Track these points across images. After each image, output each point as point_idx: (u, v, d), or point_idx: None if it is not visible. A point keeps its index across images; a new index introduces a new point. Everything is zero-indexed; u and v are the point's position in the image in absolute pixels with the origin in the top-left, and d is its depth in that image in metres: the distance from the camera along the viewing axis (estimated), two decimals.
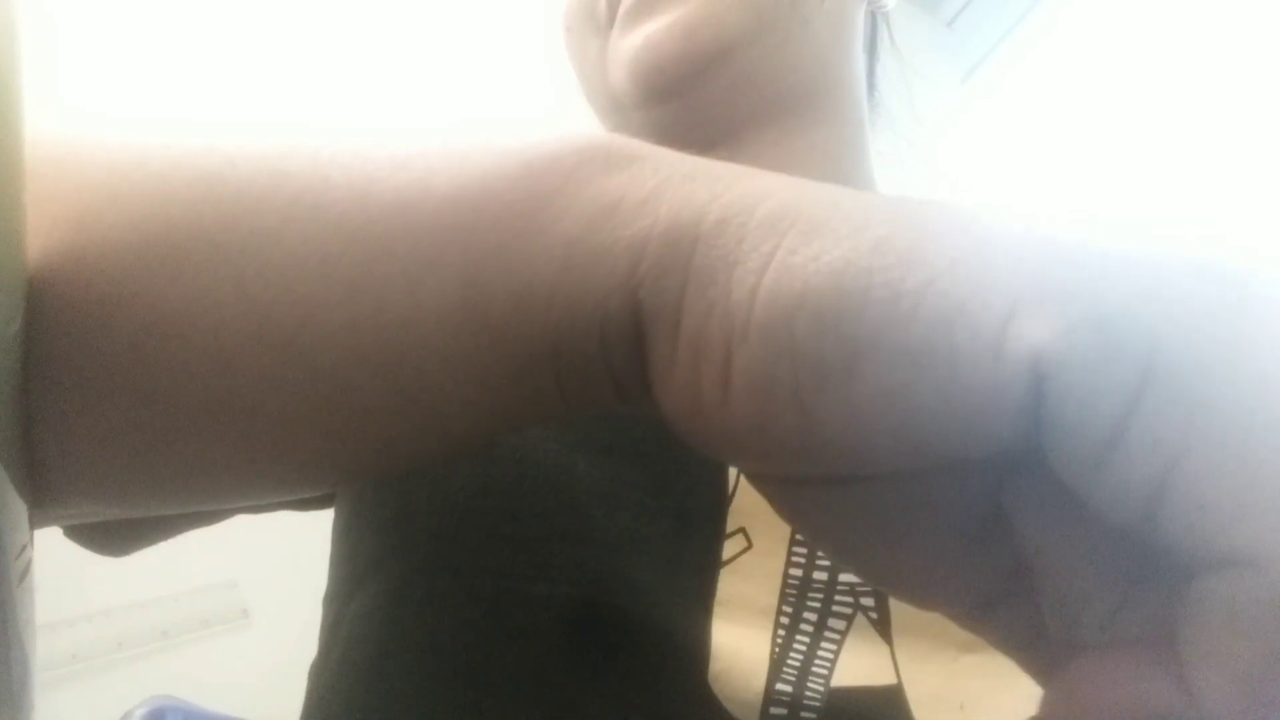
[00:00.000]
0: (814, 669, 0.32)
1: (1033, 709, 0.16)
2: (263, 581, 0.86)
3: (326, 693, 0.35)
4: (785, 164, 0.46)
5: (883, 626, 0.33)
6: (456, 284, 0.18)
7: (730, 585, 0.33)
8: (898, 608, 0.33)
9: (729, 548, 0.33)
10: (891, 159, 0.56)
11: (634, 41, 0.43)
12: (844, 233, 0.15)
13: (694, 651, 0.31)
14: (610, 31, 0.46)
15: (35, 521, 0.18)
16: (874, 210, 0.15)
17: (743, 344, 0.15)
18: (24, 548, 0.17)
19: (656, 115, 0.45)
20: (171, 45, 0.96)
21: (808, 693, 0.31)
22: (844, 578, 0.33)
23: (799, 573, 0.33)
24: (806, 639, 0.32)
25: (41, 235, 0.17)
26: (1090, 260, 0.14)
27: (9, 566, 0.16)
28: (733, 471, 0.35)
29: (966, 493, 0.16)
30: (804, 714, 0.31)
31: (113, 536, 0.34)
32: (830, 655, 0.32)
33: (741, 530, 0.34)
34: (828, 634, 0.32)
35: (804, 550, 0.34)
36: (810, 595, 0.33)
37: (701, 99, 0.44)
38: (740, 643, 0.32)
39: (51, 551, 0.25)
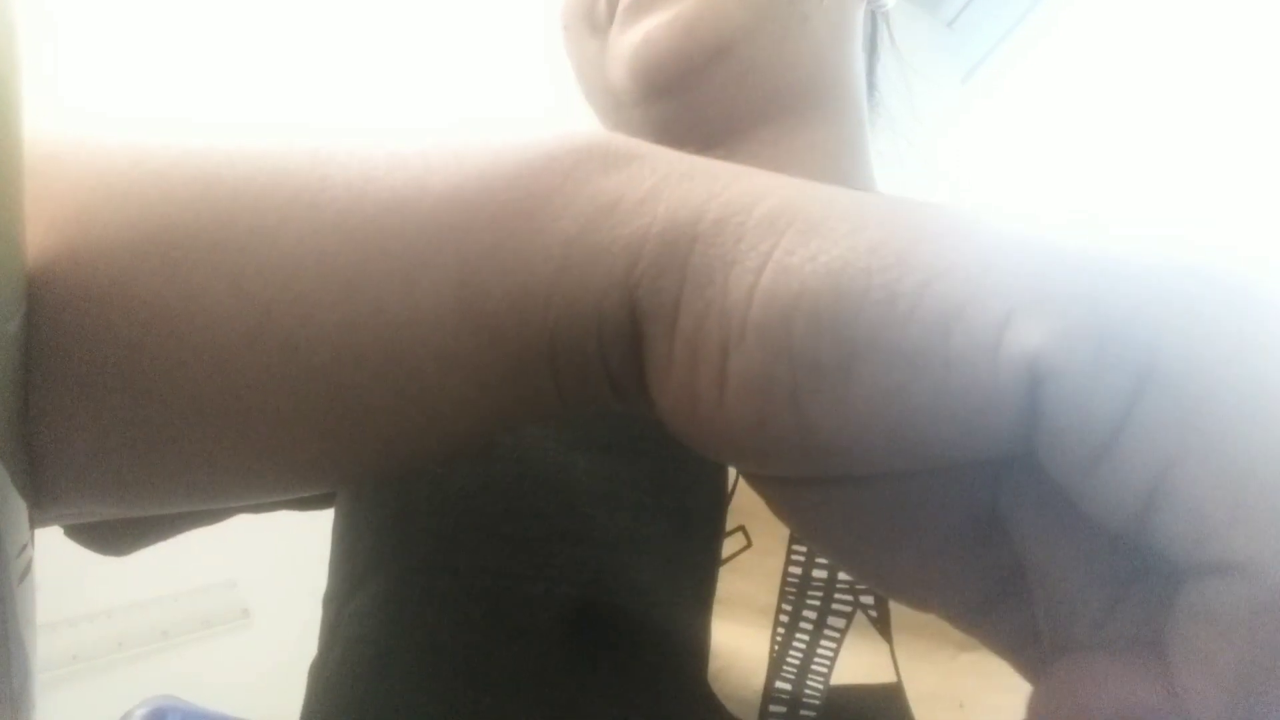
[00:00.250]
0: (813, 667, 0.32)
1: None
2: (263, 581, 0.86)
3: (327, 692, 0.35)
4: (784, 162, 0.46)
5: (882, 624, 0.33)
6: (453, 283, 0.18)
7: (730, 584, 0.33)
8: (897, 606, 0.33)
9: (728, 546, 0.33)
10: (891, 158, 0.56)
11: (633, 38, 0.43)
12: (841, 233, 0.15)
13: (693, 650, 0.31)
14: (609, 30, 0.46)
15: (35, 521, 0.18)
16: (872, 211, 0.15)
17: (739, 344, 0.15)
18: (24, 547, 0.17)
19: (655, 113, 0.45)
20: (171, 45, 0.96)
21: (807, 691, 0.31)
22: (843, 576, 0.33)
23: (798, 571, 0.33)
24: (806, 637, 0.32)
25: (40, 234, 0.17)
26: (1088, 265, 0.14)
27: (9, 566, 0.16)
28: (732, 470, 0.35)
29: (962, 494, 0.16)
30: (803, 712, 0.31)
31: (113, 536, 0.34)
32: (830, 653, 0.32)
33: (741, 528, 0.34)
34: (827, 632, 0.32)
35: (803, 549, 0.34)
36: (810, 593, 0.33)
37: (700, 96, 0.44)
38: (740, 641, 0.32)
39: (52, 551, 0.25)
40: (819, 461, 0.15)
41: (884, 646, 0.32)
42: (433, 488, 0.35)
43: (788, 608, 0.33)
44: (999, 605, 0.17)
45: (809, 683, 0.31)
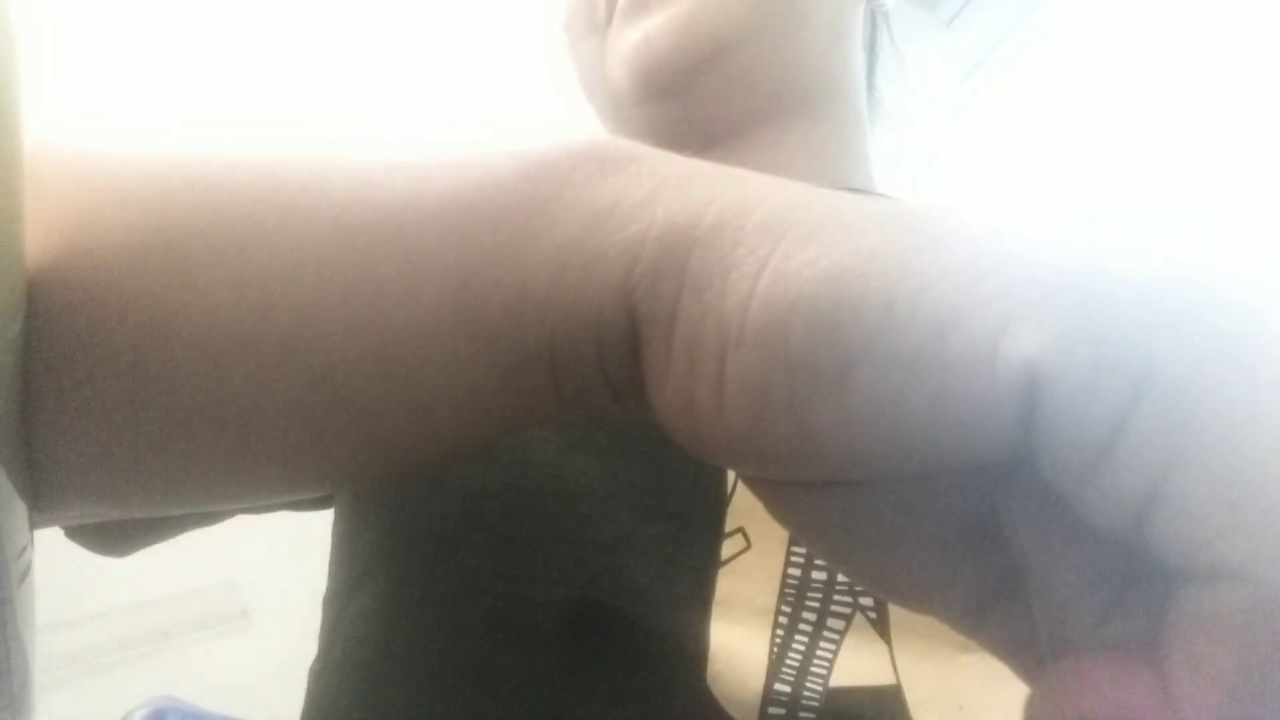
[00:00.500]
0: (812, 669, 0.32)
1: None
2: (262, 582, 0.86)
3: (327, 693, 0.35)
4: (783, 162, 0.46)
5: (881, 626, 0.33)
6: (452, 287, 0.18)
7: (729, 585, 0.33)
8: (896, 608, 0.33)
9: (728, 548, 0.33)
10: (890, 159, 0.56)
11: (632, 38, 0.43)
12: (839, 238, 0.15)
13: (692, 652, 0.31)
14: (608, 30, 0.46)
15: (35, 523, 0.18)
16: (870, 216, 0.15)
17: (737, 349, 0.15)
18: (24, 549, 0.17)
19: (655, 113, 0.45)
20: (172, 50, 0.96)
21: (806, 693, 0.31)
22: (842, 578, 0.33)
23: (798, 573, 0.33)
24: (805, 639, 0.32)
25: (40, 237, 0.17)
26: (1085, 271, 0.14)
27: (9, 568, 0.16)
28: (731, 471, 0.35)
29: (959, 497, 0.17)
30: (802, 714, 0.31)
31: (113, 537, 0.34)
32: (829, 655, 0.32)
33: (740, 530, 0.34)
34: (826, 634, 0.32)
35: (803, 550, 0.34)
36: (809, 595, 0.33)
37: (699, 96, 0.44)
38: (739, 643, 0.32)
39: (52, 552, 0.25)
40: (816, 465, 0.15)
41: (883, 648, 0.32)
42: (431, 489, 0.35)
43: (787, 609, 0.33)
44: (996, 608, 0.17)
45: (808, 684, 0.31)
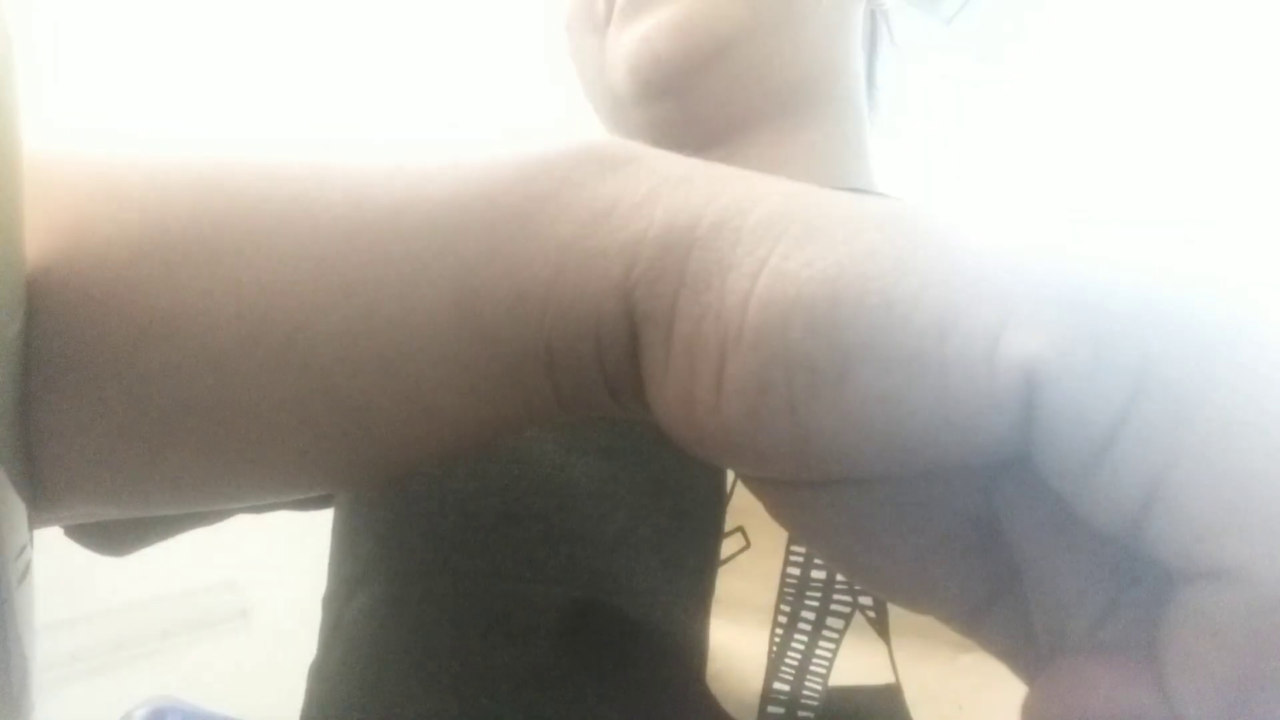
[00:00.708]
0: (812, 668, 0.32)
1: None
2: (261, 582, 0.86)
3: (327, 693, 0.35)
4: (783, 162, 0.46)
5: (881, 625, 0.33)
6: (451, 287, 0.18)
7: (728, 584, 0.33)
8: (895, 607, 0.33)
9: (727, 547, 0.33)
10: (890, 158, 0.56)
11: (632, 37, 0.43)
12: (838, 238, 0.15)
13: (692, 651, 0.31)
14: (608, 30, 0.46)
15: (35, 522, 0.18)
16: (869, 215, 0.15)
17: (736, 349, 0.15)
18: (23, 548, 0.17)
19: (654, 112, 0.45)
20: (172, 52, 0.96)
21: (805, 692, 0.31)
22: (842, 576, 0.33)
23: (797, 572, 0.33)
24: (804, 638, 0.32)
25: (39, 238, 0.17)
26: (1084, 271, 0.14)
27: (8, 567, 0.16)
28: (730, 471, 0.35)
29: (958, 497, 0.17)
30: (801, 713, 0.31)
31: (113, 536, 0.34)
32: (828, 654, 0.32)
33: (740, 529, 0.34)
34: (826, 633, 0.32)
35: (802, 549, 0.34)
36: (808, 594, 0.33)
37: (699, 95, 0.44)
38: (738, 642, 0.32)
39: (52, 552, 0.25)
40: (815, 465, 0.15)
41: (882, 647, 0.33)
42: (431, 489, 0.35)
43: (786, 608, 0.33)
44: (995, 607, 0.17)
45: (807, 683, 0.31)
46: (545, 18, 0.54)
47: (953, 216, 0.15)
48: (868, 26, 0.53)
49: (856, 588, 0.33)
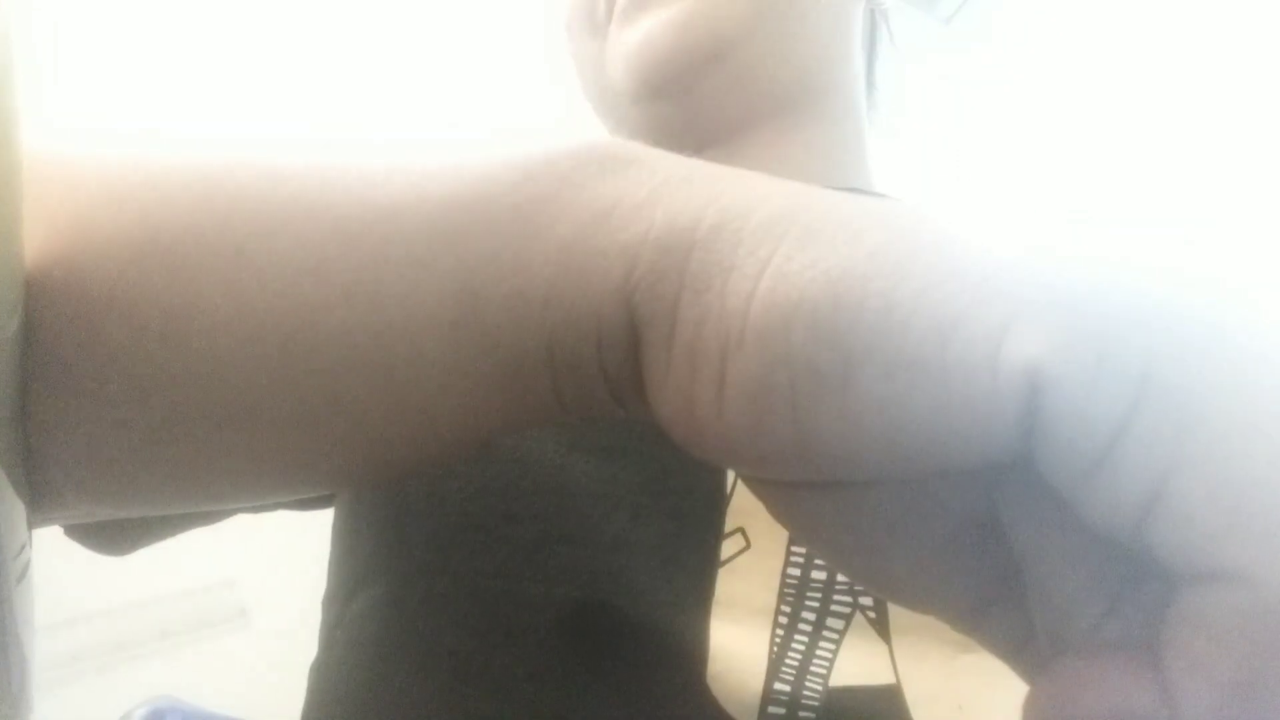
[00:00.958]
0: (812, 668, 0.32)
1: None
2: (261, 581, 0.86)
3: (327, 694, 0.35)
4: (783, 161, 0.46)
5: (881, 626, 0.33)
6: (452, 288, 0.18)
7: (728, 585, 0.33)
8: (896, 607, 0.33)
9: (727, 547, 0.33)
10: (889, 157, 0.56)
11: (632, 37, 0.43)
12: (840, 240, 0.15)
13: (692, 652, 0.31)
14: (608, 30, 0.46)
15: (34, 521, 0.18)
16: (870, 217, 0.15)
17: (738, 351, 0.15)
18: (22, 548, 0.17)
19: (654, 112, 0.45)
20: (172, 52, 0.96)
21: (806, 692, 0.31)
22: (842, 577, 0.33)
23: (797, 572, 0.33)
24: (805, 638, 0.32)
25: (39, 237, 0.17)
26: (1087, 275, 0.14)
27: (7, 567, 0.16)
28: (731, 471, 0.35)
29: (959, 498, 0.17)
30: (802, 714, 0.31)
31: (112, 536, 0.34)
32: (829, 655, 0.32)
33: (740, 530, 0.34)
34: (826, 633, 0.32)
35: (802, 550, 0.34)
36: (809, 595, 0.33)
37: (699, 95, 0.44)
38: (738, 643, 0.32)
39: (51, 552, 0.25)
40: (817, 467, 0.15)
41: (883, 648, 0.32)
42: (431, 489, 0.35)
43: (786, 609, 0.33)
44: (996, 607, 0.17)
45: (808, 684, 0.31)
46: (545, 18, 0.54)
47: (954, 219, 0.15)
48: (867, 26, 0.53)
49: (857, 588, 0.33)
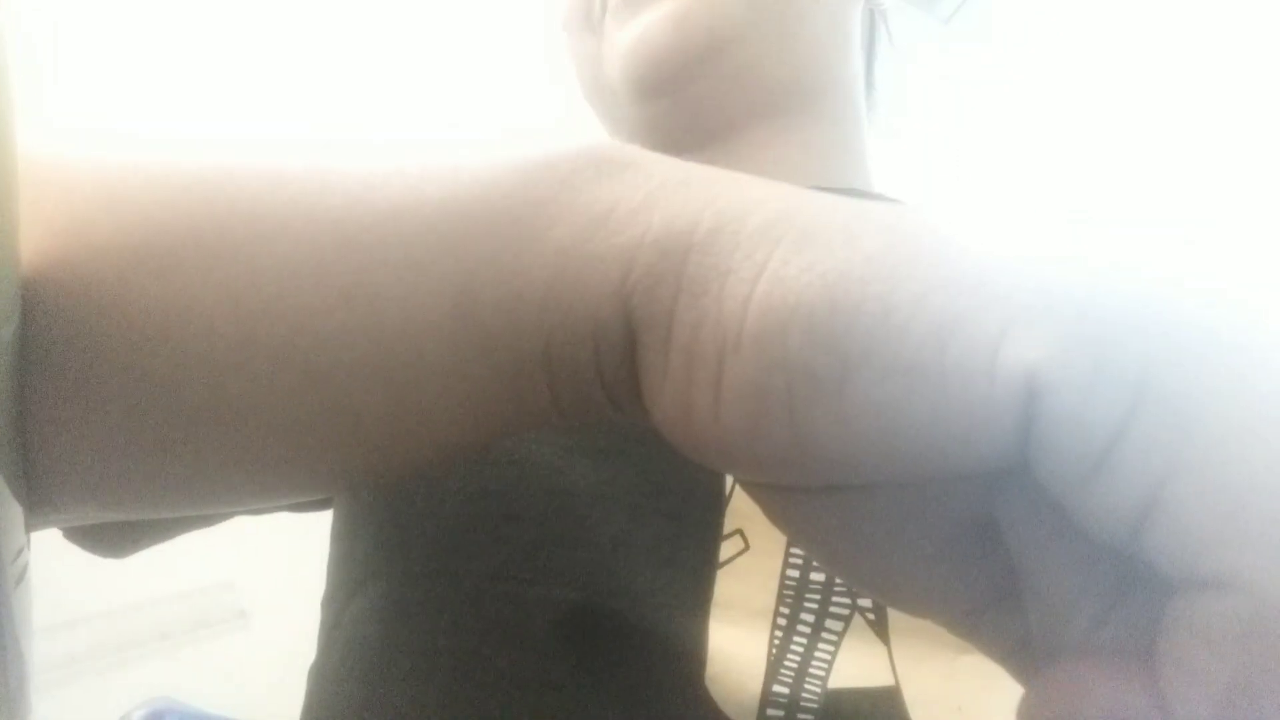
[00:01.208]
0: (811, 670, 0.32)
1: None
2: (260, 582, 0.86)
3: (326, 695, 0.35)
4: (781, 161, 0.46)
5: (880, 628, 0.33)
6: (449, 291, 0.18)
7: (727, 587, 0.33)
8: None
9: (726, 549, 0.33)
10: (888, 158, 0.56)
11: (628, 34, 0.43)
12: (837, 243, 0.15)
13: (691, 653, 0.31)
14: (604, 27, 0.46)
15: (32, 524, 0.18)
16: (868, 221, 0.15)
17: (735, 354, 0.15)
18: (20, 550, 0.17)
19: (651, 110, 0.45)
20: (172, 53, 0.96)
21: (804, 694, 0.31)
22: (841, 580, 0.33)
23: (796, 574, 0.33)
24: (804, 640, 0.32)
25: (36, 239, 0.17)
26: (1085, 280, 0.14)
27: (6, 569, 0.16)
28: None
29: (957, 502, 0.16)
30: (801, 715, 0.31)
31: (111, 538, 0.34)
32: (827, 656, 0.32)
33: (739, 532, 0.34)
34: (825, 635, 0.32)
35: (801, 552, 0.34)
36: (807, 596, 0.33)
37: (696, 92, 0.44)
38: (737, 644, 0.32)
39: (49, 554, 0.25)
40: (814, 471, 0.15)
41: (882, 650, 0.32)
42: (430, 491, 0.35)
43: (785, 611, 0.33)
44: (993, 611, 0.17)
45: (806, 686, 0.31)
46: (545, 18, 0.54)
47: (952, 222, 0.15)
48: (866, 26, 0.53)
49: (855, 590, 0.33)
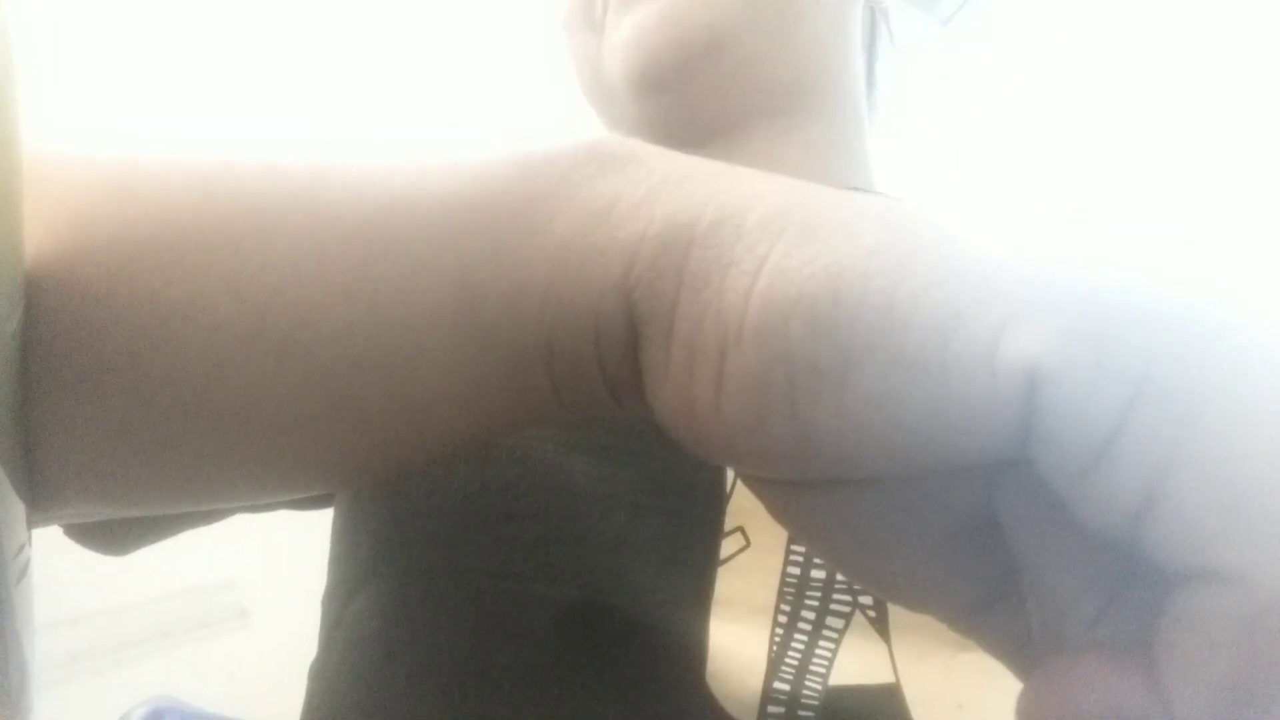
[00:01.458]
0: (812, 667, 0.32)
1: None
2: (260, 581, 0.86)
3: (327, 693, 0.35)
4: (781, 159, 0.46)
5: (881, 625, 0.33)
6: (451, 285, 0.18)
7: (728, 584, 0.33)
8: (896, 606, 0.33)
9: (727, 546, 0.33)
10: (888, 158, 0.56)
11: (627, 31, 0.43)
12: (839, 237, 0.15)
13: (692, 651, 0.31)
14: (604, 25, 0.46)
15: (33, 521, 0.18)
16: (869, 215, 0.15)
17: (736, 348, 0.15)
18: (22, 547, 0.17)
19: (650, 107, 0.45)
20: (172, 51, 0.96)
21: (805, 691, 0.31)
22: (842, 576, 0.33)
23: (797, 571, 0.33)
24: (804, 637, 0.32)
25: (39, 236, 0.17)
26: (1086, 274, 0.14)
27: (7, 566, 0.16)
28: (730, 470, 0.35)
29: (958, 497, 0.17)
30: (801, 713, 0.31)
31: (112, 535, 0.34)
32: (828, 654, 0.32)
33: (740, 529, 0.34)
34: (826, 632, 0.32)
35: (802, 549, 0.34)
36: (808, 594, 0.33)
37: (694, 90, 0.44)
38: (738, 641, 0.32)
39: (50, 552, 0.25)
40: (815, 464, 0.15)
41: (882, 647, 0.32)
42: (431, 488, 0.35)
43: (786, 608, 0.33)
44: (994, 607, 0.17)
45: (807, 683, 0.31)
46: (545, 18, 0.54)
47: (952, 219, 0.15)
48: (866, 26, 0.53)
49: (856, 587, 0.33)
